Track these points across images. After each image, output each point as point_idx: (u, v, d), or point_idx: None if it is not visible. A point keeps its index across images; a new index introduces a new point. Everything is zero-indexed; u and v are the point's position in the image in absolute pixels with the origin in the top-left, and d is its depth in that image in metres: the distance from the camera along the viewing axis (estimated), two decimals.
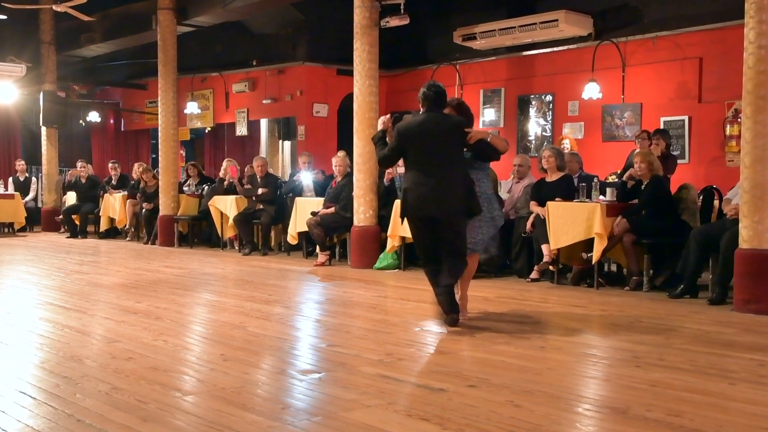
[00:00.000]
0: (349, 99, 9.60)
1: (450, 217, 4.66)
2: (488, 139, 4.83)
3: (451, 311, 4.65)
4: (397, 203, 5.81)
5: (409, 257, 8.07)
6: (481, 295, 6.22)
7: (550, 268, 6.91)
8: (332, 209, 8.58)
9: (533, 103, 11.07)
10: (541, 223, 6.91)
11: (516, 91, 11.22)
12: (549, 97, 10.87)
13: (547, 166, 7.19)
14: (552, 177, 7.19)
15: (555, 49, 10.53)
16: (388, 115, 5.04)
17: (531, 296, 6.19)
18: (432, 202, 4.63)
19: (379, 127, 4.98)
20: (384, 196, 8.34)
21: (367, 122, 8.20)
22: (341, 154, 9.07)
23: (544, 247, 6.87)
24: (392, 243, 7.91)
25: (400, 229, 7.80)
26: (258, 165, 9.95)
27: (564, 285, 6.82)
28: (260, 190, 9.70)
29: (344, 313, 5.39)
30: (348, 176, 8.66)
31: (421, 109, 4.81)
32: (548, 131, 10.92)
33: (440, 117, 4.81)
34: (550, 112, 10.88)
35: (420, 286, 6.82)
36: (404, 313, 5.45)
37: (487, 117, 11.64)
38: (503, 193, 8.01)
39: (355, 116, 8.29)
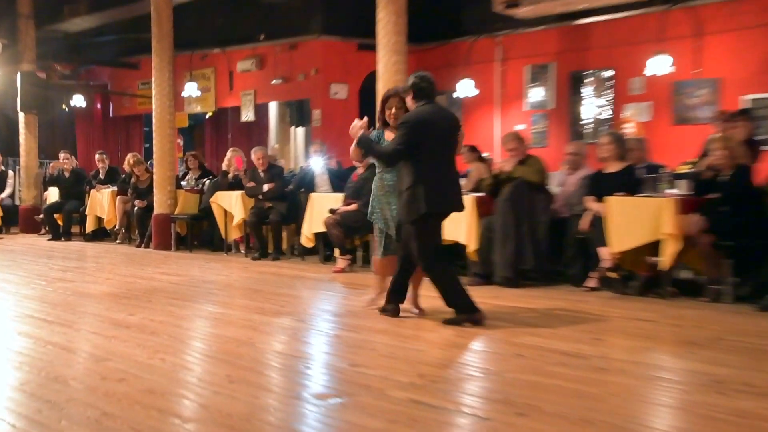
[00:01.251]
0: (371, 78, 9.58)
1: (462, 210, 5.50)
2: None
3: (477, 308, 5.32)
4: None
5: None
6: (529, 306, 6.17)
7: (611, 274, 6.85)
8: (354, 206, 8.57)
9: (589, 80, 10.97)
10: (599, 222, 6.85)
11: (568, 66, 11.13)
12: (608, 73, 10.76)
13: (606, 155, 7.13)
14: (612, 168, 7.12)
15: (615, 15, 10.43)
16: (365, 119, 5.52)
17: (588, 308, 6.13)
18: (459, 196, 5.39)
19: (359, 132, 5.44)
20: None
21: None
22: None
23: (602, 251, 6.81)
24: None
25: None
26: (257, 158, 9.92)
27: (627, 295, 6.75)
28: (266, 186, 9.73)
29: (368, 328, 5.37)
30: (371, 168, 8.63)
31: (413, 101, 5.39)
32: (607, 113, 10.82)
33: (444, 111, 5.53)
34: (610, 91, 10.77)
35: None
36: (438, 328, 5.41)
37: (533, 98, 11.57)
38: (554, 187, 7.96)
39: (379, 98, 8.25)
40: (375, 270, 6.00)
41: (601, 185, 7.05)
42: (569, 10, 10.36)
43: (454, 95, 12.18)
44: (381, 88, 8.23)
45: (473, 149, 9.07)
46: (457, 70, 12.01)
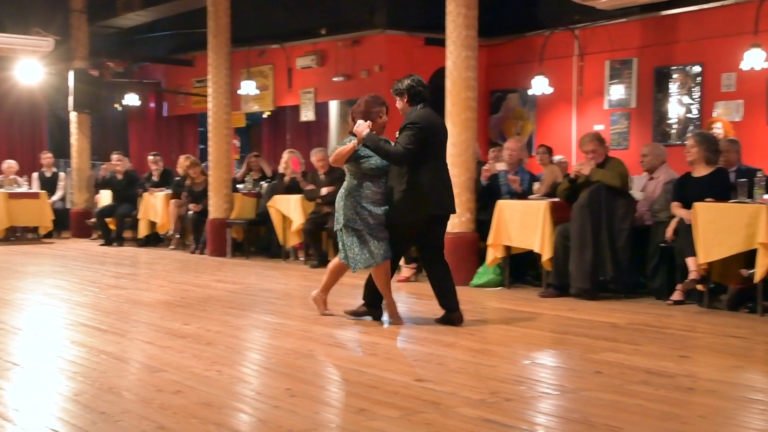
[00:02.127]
0: (439, 75, 9.60)
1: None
2: None
3: (457, 308, 5.88)
4: (434, 203, 6.10)
5: (514, 272, 8.02)
6: (609, 320, 6.11)
7: (698, 287, 6.73)
8: None
9: (675, 76, 10.79)
10: (685, 230, 6.74)
11: (652, 61, 10.96)
12: (696, 69, 10.56)
13: (693, 158, 7.02)
14: (700, 171, 7.00)
15: (705, 6, 10.23)
16: (369, 122, 5.77)
17: (673, 323, 6.05)
18: (453, 200, 5.90)
19: (365, 132, 5.66)
20: (483, 197, 8.31)
21: (462, 104, 8.20)
22: None
23: (689, 261, 6.70)
24: (494, 254, 7.88)
25: (504, 237, 7.77)
26: (317, 159, 10.07)
27: (717, 309, 6.63)
28: (324, 190, 9.82)
29: (435, 341, 5.38)
30: None
31: (407, 104, 5.79)
32: (695, 112, 10.62)
33: (437, 115, 6.05)
34: (698, 88, 10.57)
35: (529, 308, 6.77)
36: (510, 342, 5.42)
37: (613, 95, 11.42)
38: (635, 192, 7.85)
39: (448, 96, 8.30)
40: (331, 269, 6.22)
41: (688, 190, 6.94)
42: (654, 0, 10.21)
43: (528, 93, 12.11)
44: (450, 86, 8.24)
45: (548, 151, 9.02)
46: (531, 66, 11.93)
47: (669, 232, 6.98)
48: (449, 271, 5.97)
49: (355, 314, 6.19)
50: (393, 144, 5.73)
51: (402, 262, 8.66)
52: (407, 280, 8.44)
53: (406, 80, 5.89)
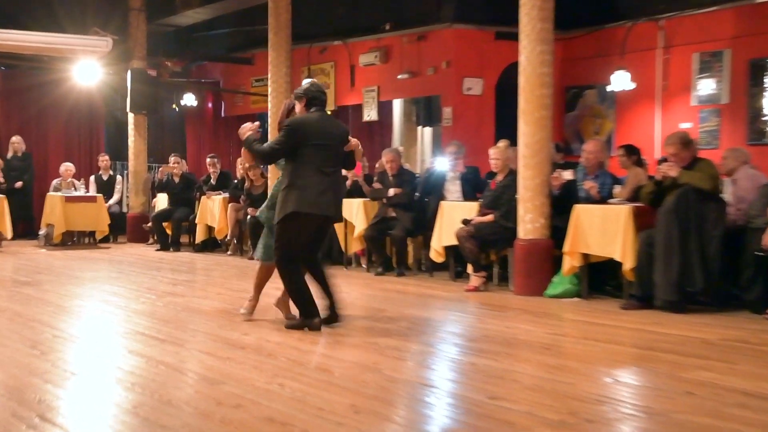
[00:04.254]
0: (511, 71, 9.53)
1: (338, 219, 6.48)
2: (358, 148, 6.36)
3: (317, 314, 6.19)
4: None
5: (592, 282, 7.89)
6: (699, 336, 5.97)
7: None
8: (490, 217, 8.55)
9: None
10: None
11: (746, 53, 10.68)
12: None
13: None
14: None
15: None
16: (257, 122, 6.42)
17: None
18: (332, 204, 6.16)
19: (248, 134, 6.24)
20: (559, 202, 8.21)
21: (536, 101, 8.11)
22: (502, 144, 9.03)
23: None
24: (570, 262, 7.78)
25: (581, 245, 7.66)
26: (389, 160, 10.09)
27: None
28: (392, 191, 9.84)
29: (508, 355, 5.35)
30: (511, 174, 8.60)
31: (304, 108, 6.20)
32: None
33: (333, 120, 6.50)
34: None
35: (609, 321, 6.66)
36: (589, 358, 5.33)
37: (702, 90, 11.16)
38: (727, 195, 7.65)
39: (521, 93, 8.22)
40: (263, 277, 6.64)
41: None
42: None
43: (607, 89, 11.93)
44: (524, 83, 8.16)
45: (631, 151, 8.84)
46: (611, 60, 11.75)
47: (766, 239, 6.79)
48: (301, 275, 6.25)
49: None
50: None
51: (470, 269, 8.64)
52: (476, 289, 8.38)
53: (305, 85, 6.50)
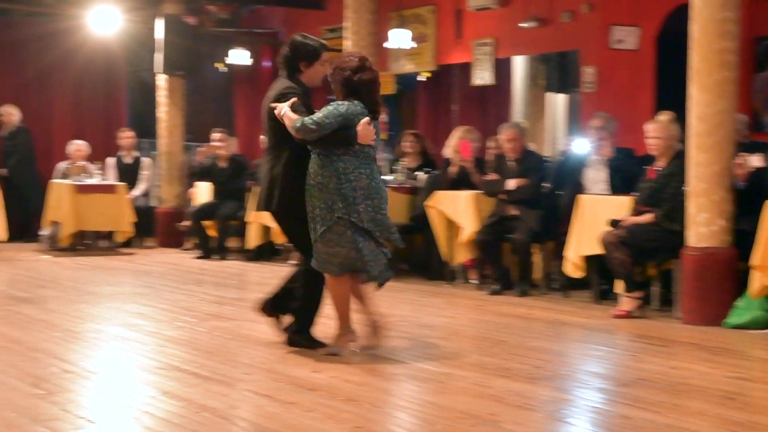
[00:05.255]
0: (679, 16, 9.40)
1: (275, 213, 6.89)
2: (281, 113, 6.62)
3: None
4: None
5: None
6: None
7: None
8: (648, 216, 8.48)
9: None
10: None
11: None
12: None
13: None
14: None
15: None
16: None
17: None
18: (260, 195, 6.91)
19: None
20: (745, 198, 8.10)
21: (714, 59, 8.02)
22: (664, 118, 8.93)
23: None
24: (761, 280, 7.70)
25: None
26: (508, 139, 10.05)
27: None
28: (512, 183, 9.83)
29: (674, 407, 5.30)
30: (677, 159, 8.50)
31: None
32: None
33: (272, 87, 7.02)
34: None
35: None
36: None
37: None
38: None
39: (693, 48, 8.15)
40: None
41: None
42: None
43: None
44: (697, 33, 8.08)
45: None
46: None
47: None
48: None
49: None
50: None
51: (619, 288, 8.58)
52: (628, 315, 8.38)
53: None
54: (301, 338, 6.78)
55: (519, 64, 14.67)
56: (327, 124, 6.34)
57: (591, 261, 9.10)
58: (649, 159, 8.96)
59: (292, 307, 6.90)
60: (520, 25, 13.01)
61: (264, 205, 6.80)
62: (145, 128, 16.21)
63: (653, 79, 12.31)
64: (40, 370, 6.07)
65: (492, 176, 10.08)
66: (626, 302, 8.45)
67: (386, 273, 6.65)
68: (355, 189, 6.42)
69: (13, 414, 5.01)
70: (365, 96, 6.56)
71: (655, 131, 8.76)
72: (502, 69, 14.09)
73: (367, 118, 6.47)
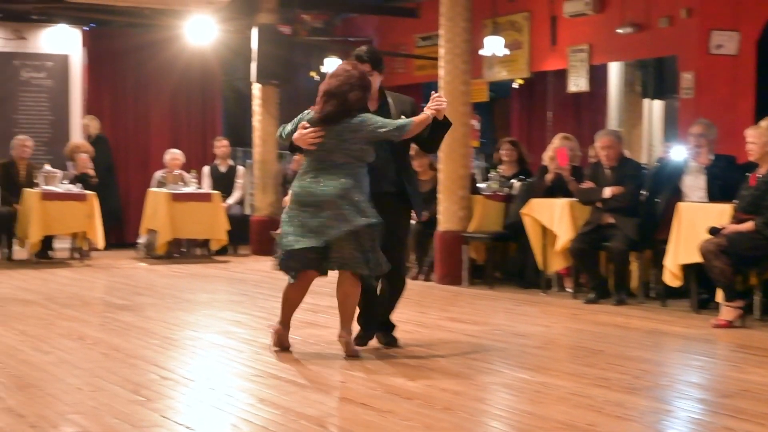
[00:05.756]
0: None
1: None
2: None
3: None
4: None
5: None
6: None
7: None
8: (749, 224, 8.34)
9: None
10: None
11: None
12: None
13: None
14: None
15: None
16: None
17: None
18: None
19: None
20: None
21: None
22: (765, 124, 8.79)
23: None
24: None
25: None
26: (605, 146, 9.96)
27: None
28: (608, 191, 9.73)
29: None
30: None
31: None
32: None
33: None
34: None
35: None
36: None
37: None
38: None
39: None
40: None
41: None
42: None
43: None
44: None
45: None
46: None
47: None
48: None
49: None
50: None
51: (720, 297, 8.46)
52: (729, 324, 8.26)
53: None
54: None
55: (615, 71, 14.56)
56: (287, 132, 7.32)
57: (689, 270, 8.98)
58: (752, 166, 8.82)
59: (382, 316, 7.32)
60: (616, 30, 12.91)
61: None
62: (240, 137, 16.39)
63: (754, 84, 12.14)
64: (139, 377, 6.16)
65: (588, 184, 10.00)
66: (727, 312, 8.33)
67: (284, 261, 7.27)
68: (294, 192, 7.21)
69: (114, 420, 5.08)
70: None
71: (754, 137, 8.63)
72: (598, 75, 14.01)
73: (303, 123, 7.09)
